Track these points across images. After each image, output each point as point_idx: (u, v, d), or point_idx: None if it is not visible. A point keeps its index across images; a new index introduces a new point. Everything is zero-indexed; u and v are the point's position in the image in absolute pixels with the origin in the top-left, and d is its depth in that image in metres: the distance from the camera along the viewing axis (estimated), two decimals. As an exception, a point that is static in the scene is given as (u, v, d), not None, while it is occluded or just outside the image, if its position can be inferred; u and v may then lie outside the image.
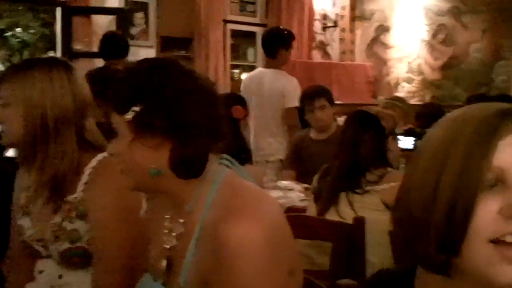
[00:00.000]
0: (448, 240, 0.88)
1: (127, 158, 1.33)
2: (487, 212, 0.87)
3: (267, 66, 4.99)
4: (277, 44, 4.83)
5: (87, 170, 1.74)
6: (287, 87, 4.69)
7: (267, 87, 4.74)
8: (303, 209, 2.94)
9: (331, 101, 4.10)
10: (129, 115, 1.29)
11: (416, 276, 1.03)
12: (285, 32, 5.03)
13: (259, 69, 5.17)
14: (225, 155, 1.44)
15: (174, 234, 1.38)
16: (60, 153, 1.71)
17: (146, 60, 1.40)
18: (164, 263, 1.38)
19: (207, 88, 1.36)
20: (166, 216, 1.42)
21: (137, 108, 1.28)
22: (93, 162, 1.75)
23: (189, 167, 1.32)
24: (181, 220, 1.37)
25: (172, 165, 1.31)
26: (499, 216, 0.86)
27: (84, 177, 1.74)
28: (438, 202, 0.89)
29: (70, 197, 1.73)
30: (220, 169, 1.39)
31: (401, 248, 1.00)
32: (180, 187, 1.35)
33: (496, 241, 0.87)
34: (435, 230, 0.89)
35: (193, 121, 1.29)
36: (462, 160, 0.88)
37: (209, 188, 1.34)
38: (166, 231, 1.40)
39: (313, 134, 4.17)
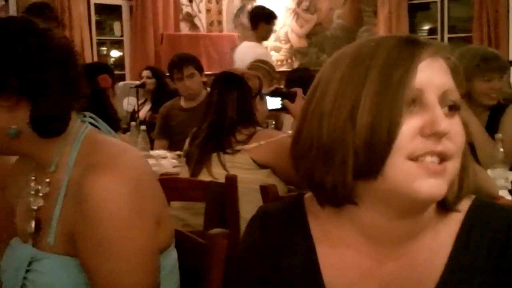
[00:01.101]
0: (368, 162, 0.91)
1: None
2: (408, 132, 0.90)
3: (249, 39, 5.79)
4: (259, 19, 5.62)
5: None
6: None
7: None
8: (177, 174, 2.96)
9: (199, 69, 4.12)
10: None
11: (306, 208, 1.08)
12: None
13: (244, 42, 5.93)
14: (88, 113, 1.43)
15: (40, 194, 1.37)
16: None
17: None
18: (32, 224, 1.36)
19: (62, 47, 1.34)
20: (31, 178, 1.40)
21: None
22: None
23: (49, 125, 1.31)
24: (47, 180, 1.36)
25: (32, 124, 1.29)
26: (418, 135, 0.91)
27: None
28: (358, 124, 0.90)
29: None
30: (82, 126, 1.38)
31: (301, 181, 1.01)
32: (42, 147, 1.33)
33: (416, 160, 0.91)
34: (353, 154, 0.91)
35: (48, 79, 1.28)
36: (382, 81, 0.91)
37: (71, 145, 1.34)
38: (32, 192, 1.38)
39: (182, 103, 4.19)
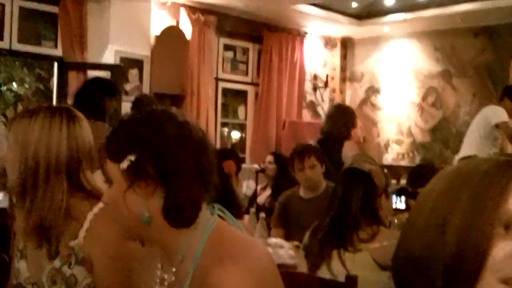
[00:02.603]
0: (458, 281, 0.88)
1: (121, 205, 1.35)
2: (501, 255, 0.87)
3: None
4: None
5: (89, 217, 1.75)
6: None
7: None
8: (294, 267, 2.92)
9: (321, 160, 4.12)
10: (124, 164, 1.31)
11: None
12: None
13: None
14: (216, 204, 1.45)
15: (166, 283, 1.38)
16: (48, 199, 1.74)
17: (139, 111, 1.43)
18: None
19: (198, 138, 1.39)
20: (158, 265, 1.42)
21: (131, 157, 1.31)
22: (95, 209, 1.77)
23: (181, 215, 1.34)
24: (173, 269, 1.37)
25: (165, 213, 1.32)
26: None
27: (86, 224, 1.74)
28: (448, 243, 0.89)
29: (72, 243, 1.74)
30: (211, 218, 1.40)
31: None
32: (171, 236, 1.36)
33: (510, 284, 0.87)
34: (443, 270, 0.89)
35: (184, 169, 1.32)
36: (474, 201, 0.89)
37: (200, 236, 1.36)
38: (158, 280, 1.40)
39: (302, 193, 4.18)
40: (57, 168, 1.75)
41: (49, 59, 6.76)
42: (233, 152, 3.54)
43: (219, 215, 1.44)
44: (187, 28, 7.55)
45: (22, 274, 1.83)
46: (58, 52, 6.64)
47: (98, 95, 4.02)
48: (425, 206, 0.95)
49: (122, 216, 1.37)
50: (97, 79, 4.64)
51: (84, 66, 6.60)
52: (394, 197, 2.87)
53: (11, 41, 6.39)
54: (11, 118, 1.90)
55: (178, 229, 1.36)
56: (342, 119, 5.27)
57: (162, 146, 1.32)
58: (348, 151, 4.74)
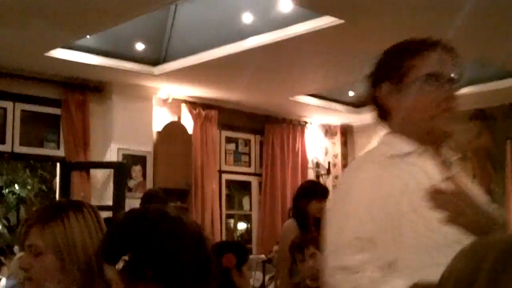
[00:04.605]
0: None
1: None
2: None
3: None
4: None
5: None
6: None
7: None
8: None
9: (320, 247, 4.08)
10: (120, 265, 1.31)
11: None
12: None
13: None
14: None
15: None
16: None
17: (132, 210, 1.45)
18: None
19: (193, 232, 1.39)
20: None
21: (126, 257, 1.30)
22: None
23: None
24: None
25: None
26: None
27: None
28: None
29: None
30: None
31: None
32: None
33: None
34: None
35: (181, 266, 1.31)
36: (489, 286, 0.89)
37: None
38: None
39: (308, 281, 4.12)
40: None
41: (51, 160, 6.83)
42: (234, 244, 3.51)
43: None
44: (188, 123, 7.68)
45: None
46: (60, 152, 6.72)
47: None
48: (447, 281, 0.95)
49: None
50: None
51: (87, 166, 6.67)
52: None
53: (13, 144, 6.48)
54: (28, 219, 1.84)
55: None
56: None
57: (155, 245, 1.32)
58: None
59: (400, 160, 1.66)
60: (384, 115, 1.78)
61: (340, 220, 1.62)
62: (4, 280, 6.10)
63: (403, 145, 1.69)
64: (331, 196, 1.86)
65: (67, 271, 1.71)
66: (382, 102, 1.74)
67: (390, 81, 1.69)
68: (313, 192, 4.67)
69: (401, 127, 1.71)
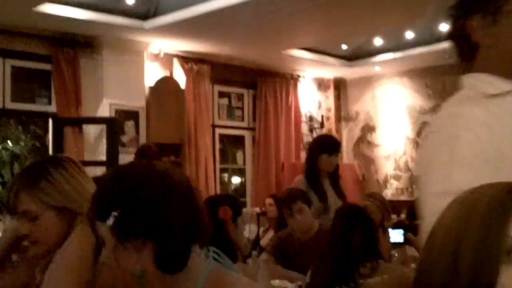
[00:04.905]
0: None
1: (113, 264, 1.34)
2: (510, 282, 0.88)
3: None
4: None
5: None
6: None
7: None
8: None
9: (308, 202, 4.11)
10: (110, 221, 1.32)
11: None
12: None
13: None
14: (212, 248, 1.45)
15: None
16: None
17: (119, 167, 1.46)
18: None
19: (181, 185, 1.39)
20: None
21: (115, 213, 1.32)
22: None
23: (174, 261, 1.34)
24: None
25: (157, 263, 1.32)
26: None
27: None
28: (459, 276, 0.90)
29: None
30: (205, 263, 1.40)
31: None
32: (166, 283, 1.36)
33: None
34: None
35: (170, 219, 1.32)
36: (479, 233, 0.91)
37: (196, 280, 1.36)
38: None
39: (299, 233, 4.17)
40: None
41: (43, 116, 6.81)
42: (229, 198, 3.55)
43: (215, 259, 1.44)
44: (181, 78, 7.64)
45: None
46: (52, 108, 6.70)
47: None
48: (436, 241, 0.97)
49: (115, 275, 1.36)
50: None
51: (79, 121, 6.66)
52: (391, 231, 2.88)
53: (4, 100, 6.46)
54: (14, 194, 1.84)
55: (173, 276, 1.36)
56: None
57: (144, 199, 1.32)
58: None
59: (502, 99, 1.43)
60: (470, 53, 1.50)
61: (446, 166, 1.38)
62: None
63: (502, 84, 1.44)
64: (423, 144, 1.52)
65: (69, 219, 1.74)
66: (471, 37, 1.47)
67: (483, 12, 1.44)
68: (323, 146, 4.57)
69: (495, 65, 1.46)
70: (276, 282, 3.68)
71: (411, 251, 3.89)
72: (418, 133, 8.55)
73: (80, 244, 1.51)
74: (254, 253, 4.07)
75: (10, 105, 6.52)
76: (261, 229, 5.72)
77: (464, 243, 0.92)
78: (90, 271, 1.63)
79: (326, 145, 4.58)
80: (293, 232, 4.20)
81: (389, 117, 8.95)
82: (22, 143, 7.70)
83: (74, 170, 1.84)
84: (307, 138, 9.14)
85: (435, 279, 0.94)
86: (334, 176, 4.59)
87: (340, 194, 4.50)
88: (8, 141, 7.57)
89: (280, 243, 4.22)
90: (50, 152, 6.51)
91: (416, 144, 8.58)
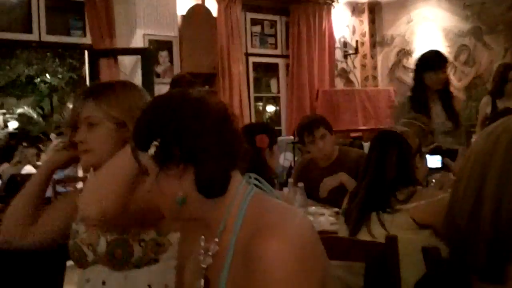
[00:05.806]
0: (497, 247, 0.91)
1: (157, 191, 1.39)
2: None
3: None
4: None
5: None
6: None
7: None
8: (334, 233, 2.95)
9: (330, 129, 4.10)
10: (151, 150, 1.36)
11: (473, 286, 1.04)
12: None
13: None
14: (253, 174, 1.49)
15: (210, 253, 1.43)
16: None
17: (156, 97, 1.48)
18: (202, 282, 1.42)
19: (217, 111, 1.42)
20: (201, 237, 1.46)
21: (156, 143, 1.35)
22: None
23: (213, 186, 1.38)
24: (216, 239, 1.41)
25: (198, 187, 1.37)
26: None
27: None
28: (483, 211, 0.92)
29: None
30: (248, 188, 1.44)
31: (454, 261, 1.01)
32: (209, 208, 1.41)
33: None
34: (483, 239, 0.92)
35: (207, 143, 1.36)
36: (502, 169, 0.93)
37: (238, 205, 1.40)
38: (202, 251, 1.45)
39: (319, 160, 4.19)
40: None
41: (79, 48, 6.86)
42: (265, 126, 3.56)
43: (256, 185, 1.47)
44: (213, 5, 7.57)
45: (80, 234, 1.91)
46: (87, 40, 6.73)
47: None
48: (464, 172, 0.98)
49: (161, 201, 1.42)
50: None
51: (114, 52, 6.69)
52: (429, 157, 2.87)
53: (40, 33, 6.50)
54: (85, 91, 1.94)
55: (214, 200, 1.40)
56: None
57: (181, 126, 1.36)
58: None
59: None
60: None
61: None
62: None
63: None
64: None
65: (124, 138, 1.80)
66: None
67: None
68: (427, 62, 4.40)
69: None
70: (313, 208, 3.74)
71: (449, 176, 3.90)
72: (456, 57, 8.38)
73: (128, 159, 1.56)
74: (290, 180, 4.11)
75: (46, 38, 6.56)
76: (297, 158, 5.76)
77: (488, 177, 0.93)
78: (132, 185, 1.69)
79: (430, 61, 4.40)
80: (314, 158, 4.22)
81: (426, 40, 8.75)
82: (59, 76, 7.80)
83: (138, 91, 1.93)
84: (342, 64, 9.05)
85: (460, 213, 0.96)
86: (446, 94, 4.47)
87: (450, 115, 4.38)
88: (46, 74, 7.66)
89: (302, 169, 4.26)
90: (88, 83, 6.58)
91: (454, 68, 8.42)
